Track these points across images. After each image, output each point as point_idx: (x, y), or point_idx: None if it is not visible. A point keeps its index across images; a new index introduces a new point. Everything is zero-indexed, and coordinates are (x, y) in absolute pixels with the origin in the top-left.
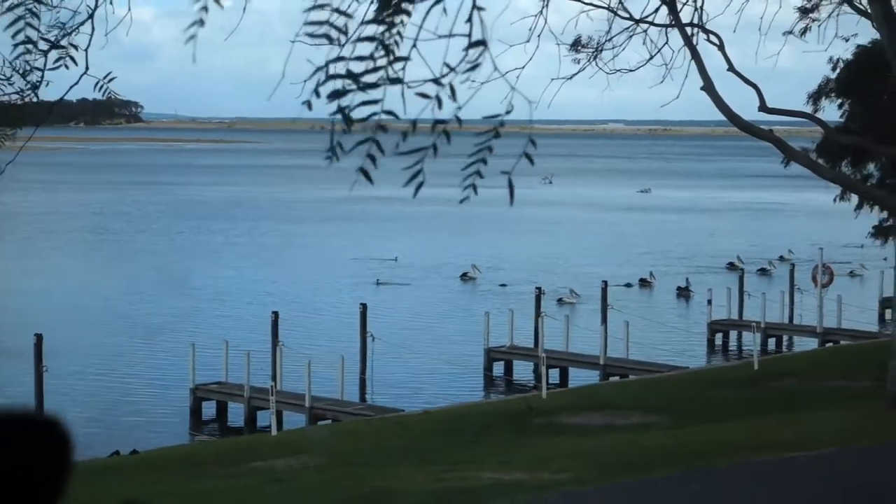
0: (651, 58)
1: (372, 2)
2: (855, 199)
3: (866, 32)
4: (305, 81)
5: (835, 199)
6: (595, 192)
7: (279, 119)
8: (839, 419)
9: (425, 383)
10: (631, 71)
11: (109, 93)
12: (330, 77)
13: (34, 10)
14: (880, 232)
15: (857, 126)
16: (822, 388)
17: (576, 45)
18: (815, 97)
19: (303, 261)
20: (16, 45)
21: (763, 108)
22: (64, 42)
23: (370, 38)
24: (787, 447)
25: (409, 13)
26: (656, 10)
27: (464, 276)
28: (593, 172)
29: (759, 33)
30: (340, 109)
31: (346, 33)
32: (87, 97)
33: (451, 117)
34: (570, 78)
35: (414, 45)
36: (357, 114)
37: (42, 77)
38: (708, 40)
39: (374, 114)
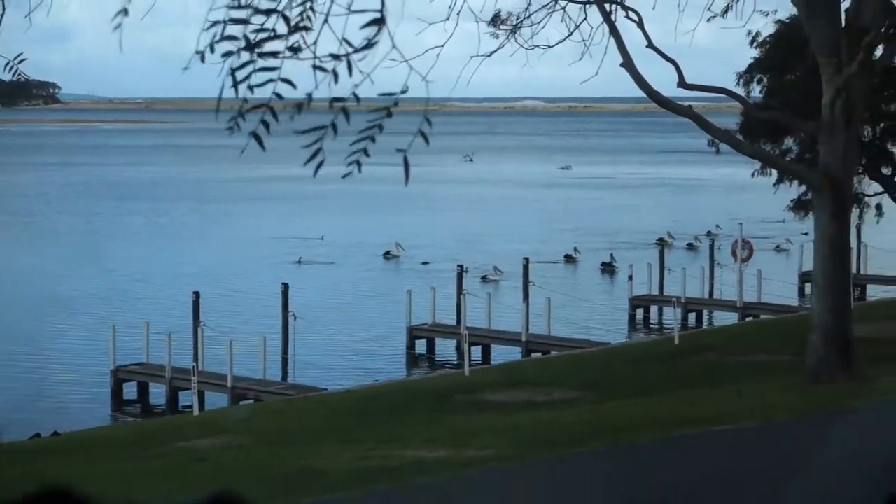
0: (570, 34)
1: None
2: (774, 173)
3: (786, 7)
4: (201, 32)
5: (753, 174)
6: (516, 169)
7: (197, 99)
8: (760, 393)
9: (348, 362)
10: (550, 47)
11: (19, 74)
12: (226, 38)
13: None
14: (799, 206)
15: (776, 101)
16: (742, 363)
17: (495, 20)
18: (747, 77)
19: (224, 241)
20: None
21: (682, 84)
22: None
23: (274, 11)
24: (709, 421)
25: None
26: None
27: (387, 255)
28: (513, 150)
29: (678, 10)
30: (232, 72)
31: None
32: (4, 79)
33: (350, 94)
34: (490, 55)
35: (326, 21)
36: (254, 80)
37: None
38: (627, 17)
39: (271, 80)
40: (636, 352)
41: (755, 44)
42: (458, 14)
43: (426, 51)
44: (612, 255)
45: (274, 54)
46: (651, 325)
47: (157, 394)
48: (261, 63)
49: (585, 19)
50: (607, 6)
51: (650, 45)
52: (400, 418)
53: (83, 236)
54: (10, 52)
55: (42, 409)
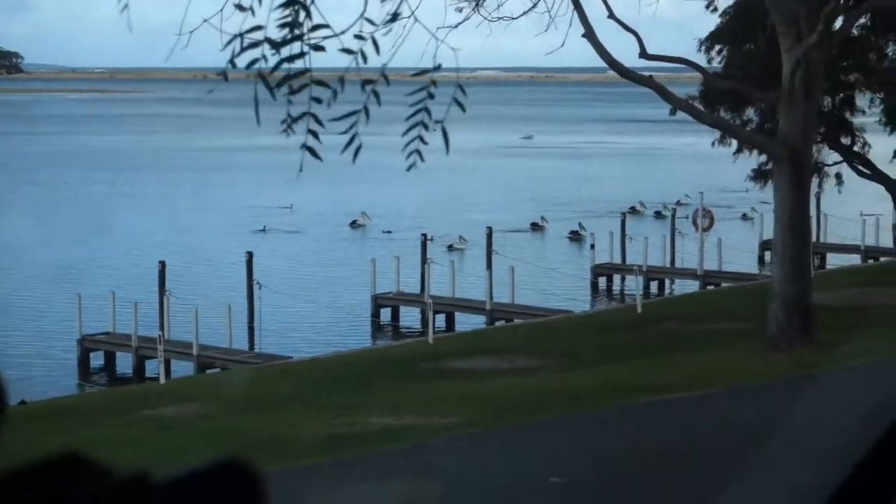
0: (534, 6)
1: None
2: (734, 143)
3: None
4: (221, 50)
5: (714, 144)
6: (479, 139)
7: (159, 69)
8: (721, 360)
9: (313, 331)
10: (514, 19)
11: None
12: (248, 46)
13: None
14: (759, 175)
15: (737, 72)
16: (703, 330)
17: None
18: (708, 45)
19: (190, 210)
20: None
21: (643, 54)
22: None
23: (289, 3)
24: (671, 388)
25: None
26: None
27: (353, 224)
28: (476, 119)
29: None
30: (261, 76)
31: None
32: None
33: (378, 75)
34: (455, 27)
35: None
36: (284, 80)
37: None
38: None
39: (304, 85)
40: (599, 320)
41: (712, 9)
42: None
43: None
44: (580, 223)
45: (299, 55)
46: (613, 294)
47: (124, 363)
48: (287, 65)
49: None
50: None
51: (612, 15)
52: (365, 386)
53: (48, 206)
54: None
55: (9, 378)
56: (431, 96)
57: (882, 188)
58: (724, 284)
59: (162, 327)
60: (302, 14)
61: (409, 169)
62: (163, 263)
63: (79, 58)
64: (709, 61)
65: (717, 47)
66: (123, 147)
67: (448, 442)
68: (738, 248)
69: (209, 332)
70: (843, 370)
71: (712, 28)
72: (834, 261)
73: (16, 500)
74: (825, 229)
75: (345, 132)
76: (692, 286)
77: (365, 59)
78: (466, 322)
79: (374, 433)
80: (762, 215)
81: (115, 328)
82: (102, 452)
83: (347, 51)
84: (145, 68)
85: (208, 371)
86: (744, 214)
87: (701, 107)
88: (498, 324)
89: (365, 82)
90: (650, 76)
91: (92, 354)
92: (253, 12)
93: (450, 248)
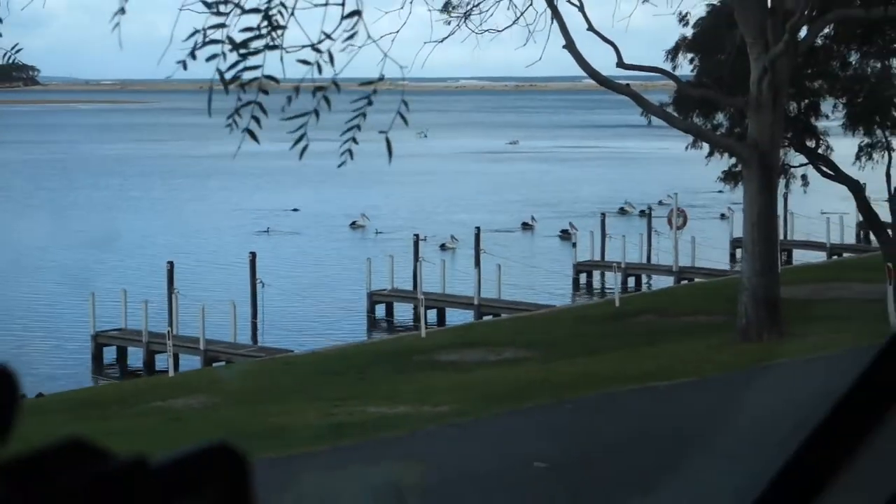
0: (517, 20)
1: None
2: (706, 146)
3: None
4: (183, 41)
5: (687, 147)
6: (467, 145)
7: (167, 80)
8: (695, 351)
9: (312, 326)
10: (499, 31)
11: (17, 61)
12: (208, 42)
13: None
14: (729, 176)
15: (708, 79)
16: (678, 323)
17: (447, 6)
18: (673, 54)
19: (196, 213)
20: None
21: (620, 64)
22: None
23: (256, 10)
24: (649, 377)
25: None
26: None
27: (353, 225)
28: (464, 126)
29: None
30: (219, 73)
31: (235, 4)
32: None
33: (330, 83)
34: (441, 41)
35: (292, 14)
36: (240, 79)
37: None
38: (569, 2)
39: (255, 78)
40: (580, 314)
41: (684, 23)
42: (410, 3)
43: (382, 36)
44: (570, 223)
45: (255, 52)
46: (594, 289)
47: (135, 357)
48: (246, 62)
49: (531, 5)
50: None
51: (591, 28)
52: (362, 377)
53: (61, 210)
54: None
55: (27, 371)
56: (370, 103)
57: (845, 188)
58: (697, 280)
59: (171, 323)
60: (265, 20)
61: (339, 166)
62: (171, 263)
63: (91, 70)
64: (674, 68)
65: (690, 56)
66: (132, 154)
67: (440, 429)
68: (711, 246)
69: (215, 328)
70: (809, 360)
71: (679, 35)
72: (800, 257)
73: (21, 484)
74: (792, 227)
75: (294, 131)
76: (667, 281)
77: (321, 70)
78: (456, 316)
79: (370, 421)
80: (732, 213)
81: (126, 324)
82: (115, 442)
83: (304, 62)
84: (153, 80)
85: (214, 364)
86: (722, 214)
87: (674, 113)
88: (486, 318)
89: (316, 89)
90: (627, 84)
91: (105, 349)
92: (218, 11)
93: (442, 247)
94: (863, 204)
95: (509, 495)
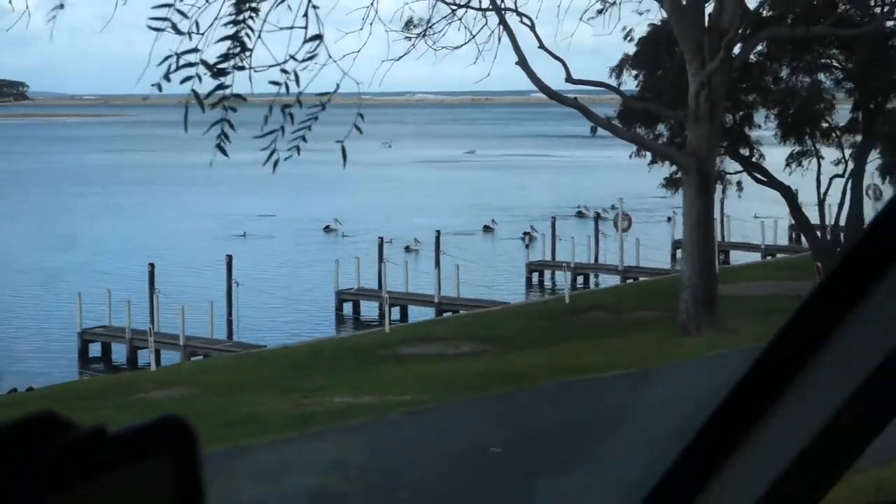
0: (472, 38)
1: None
2: (648, 155)
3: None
4: (158, 65)
5: (631, 156)
6: (428, 154)
7: (149, 95)
8: (639, 344)
9: (284, 322)
10: (455, 48)
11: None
12: (183, 65)
13: None
14: (670, 183)
15: (650, 94)
16: (624, 319)
17: (408, 25)
18: (618, 71)
19: (176, 218)
20: None
21: (569, 79)
22: None
23: (228, 38)
24: (598, 368)
25: (258, 10)
26: None
27: (326, 229)
28: (424, 136)
29: (558, 18)
30: (195, 93)
31: (198, 28)
32: None
33: (294, 100)
34: (399, 59)
35: (259, 37)
36: (212, 97)
37: None
38: (521, 21)
39: (226, 98)
40: (533, 310)
41: (629, 39)
42: (370, 24)
43: (343, 56)
44: (531, 226)
45: (225, 72)
46: (545, 287)
47: (119, 352)
48: (214, 82)
49: (486, 24)
50: (504, 12)
51: (541, 45)
52: (330, 370)
53: (48, 216)
54: None
55: (17, 367)
56: (323, 108)
57: (777, 193)
58: (641, 278)
59: (152, 321)
60: (236, 44)
61: (286, 159)
62: (152, 265)
63: (76, 86)
64: (619, 84)
65: (634, 72)
66: (114, 163)
67: (402, 417)
68: (654, 247)
69: (194, 325)
70: (742, 350)
71: (623, 52)
72: (736, 257)
73: None
74: (729, 230)
75: (265, 148)
76: (614, 280)
77: (287, 89)
78: (418, 313)
79: (337, 410)
80: (674, 217)
81: (111, 322)
82: None
83: (274, 83)
84: (135, 94)
85: (193, 359)
86: (669, 217)
87: (619, 124)
88: (445, 315)
89: (283, 106)
90: (575, 98)
91: (91, 346)
92: (190, 37)
93: (406, 249)
94: (794, 208)
95: (467, 477)
